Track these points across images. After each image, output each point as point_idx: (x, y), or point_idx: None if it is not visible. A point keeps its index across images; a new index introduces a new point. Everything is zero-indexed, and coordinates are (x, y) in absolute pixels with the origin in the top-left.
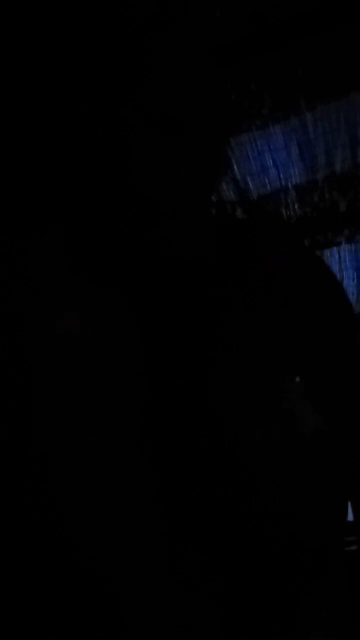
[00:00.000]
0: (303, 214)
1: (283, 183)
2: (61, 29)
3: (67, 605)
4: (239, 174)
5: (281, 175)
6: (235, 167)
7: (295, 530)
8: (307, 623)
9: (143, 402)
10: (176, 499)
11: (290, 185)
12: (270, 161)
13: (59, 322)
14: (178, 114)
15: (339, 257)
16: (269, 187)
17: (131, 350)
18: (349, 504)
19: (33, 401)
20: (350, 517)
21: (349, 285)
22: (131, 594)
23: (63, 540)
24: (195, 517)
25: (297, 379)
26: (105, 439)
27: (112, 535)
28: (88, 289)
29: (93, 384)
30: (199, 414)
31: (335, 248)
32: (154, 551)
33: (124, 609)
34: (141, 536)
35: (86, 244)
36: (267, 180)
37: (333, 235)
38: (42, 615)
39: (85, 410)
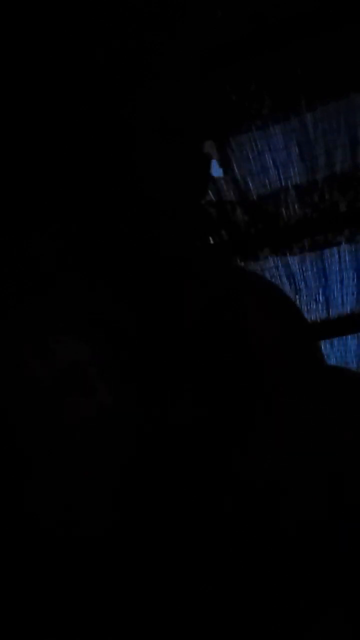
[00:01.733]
0: (303, 214)
1: (283, 183)
2: (62, 29)
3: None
4: (239, 174)
5: (281, 175)
6: (235, 167)
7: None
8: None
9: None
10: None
11: (290, 185)
12: (270, 161)
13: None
14: (178, 114)
15: (339, 257)
16: (269, 187)
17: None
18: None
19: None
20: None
21: (349, 285)
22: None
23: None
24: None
25: None
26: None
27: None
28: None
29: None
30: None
31: (335, 248)
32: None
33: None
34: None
35: (86, 243)
36: (267, 181)
37: (333, 235)
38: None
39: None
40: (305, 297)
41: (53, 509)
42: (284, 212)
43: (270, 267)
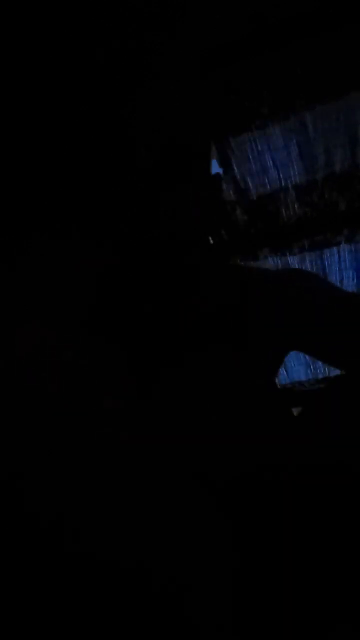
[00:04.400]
0: (303, 214)
1: (283, 183)
2: (62, 29)
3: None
4: (239, 174)
5: (281, 175)
6: (235, 167)
7: None
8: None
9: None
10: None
11: (290, 185)
12: (270, 161)
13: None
14: (178, 114)
15: (339, 257)
16: (269, 187)
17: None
18: None
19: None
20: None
21: (349, 285)
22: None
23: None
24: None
25: None
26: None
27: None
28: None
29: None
30: None
31: (335, 248)
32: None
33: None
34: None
35: (86, 243)
36: (267, 180)
37: (333, 235)
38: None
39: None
40: None
41: (52, 505)
42: (284, 212)
43: (270, 267)
